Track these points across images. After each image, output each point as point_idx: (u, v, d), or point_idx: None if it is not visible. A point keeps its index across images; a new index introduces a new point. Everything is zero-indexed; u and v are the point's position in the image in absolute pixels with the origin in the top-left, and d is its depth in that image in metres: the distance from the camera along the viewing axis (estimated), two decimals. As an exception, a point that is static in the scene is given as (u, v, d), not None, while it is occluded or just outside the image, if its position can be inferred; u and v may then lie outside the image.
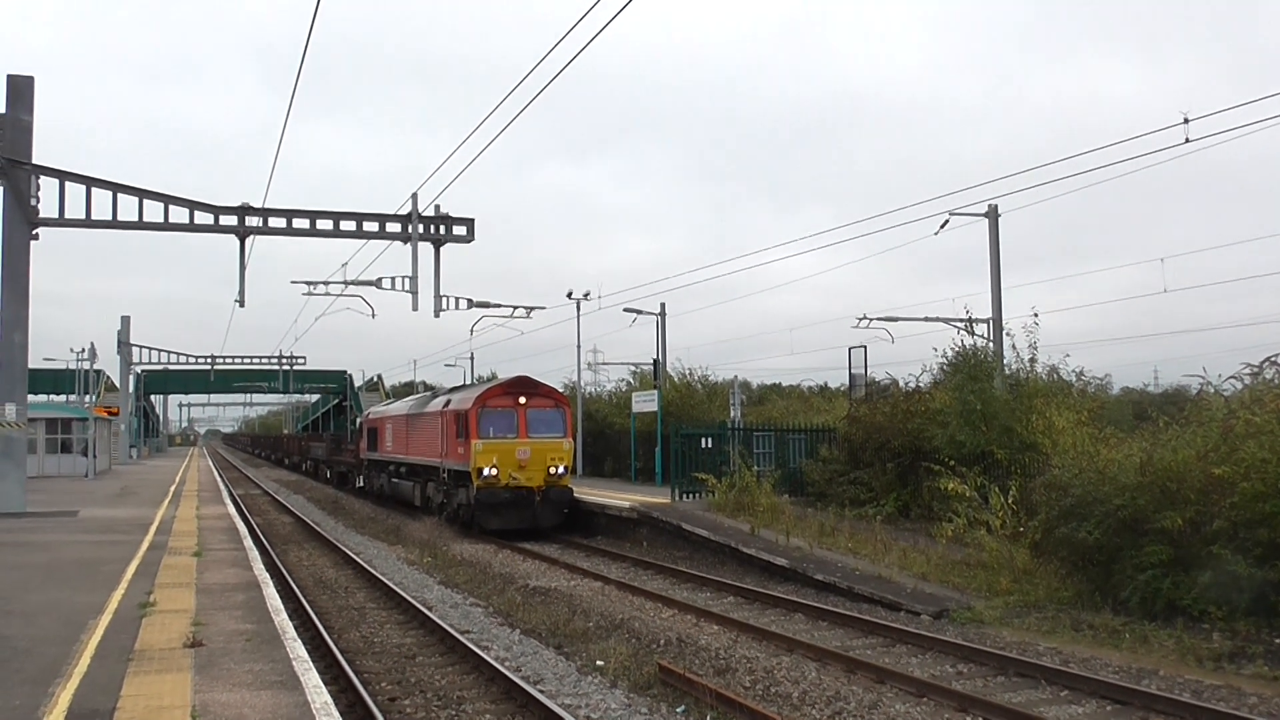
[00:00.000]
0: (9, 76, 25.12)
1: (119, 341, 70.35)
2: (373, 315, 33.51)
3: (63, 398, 68.34)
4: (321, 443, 63.61)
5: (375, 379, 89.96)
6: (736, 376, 39.44)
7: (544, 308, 38.30)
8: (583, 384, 46.25)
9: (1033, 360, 23.54)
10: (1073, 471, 16.53)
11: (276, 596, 13.99)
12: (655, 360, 40.26)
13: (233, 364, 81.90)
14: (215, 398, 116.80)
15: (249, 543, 20.48)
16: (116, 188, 25.20)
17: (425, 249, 27.29)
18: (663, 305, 40.55)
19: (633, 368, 47.45)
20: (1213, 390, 18.19)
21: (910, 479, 23.90)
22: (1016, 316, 31.23)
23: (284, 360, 78.06)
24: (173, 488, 39.10)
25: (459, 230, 27.45)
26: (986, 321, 26.20)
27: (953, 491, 20.08)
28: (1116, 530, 14.85)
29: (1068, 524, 15.60)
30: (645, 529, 25.42)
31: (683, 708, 10.68)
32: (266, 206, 26.20)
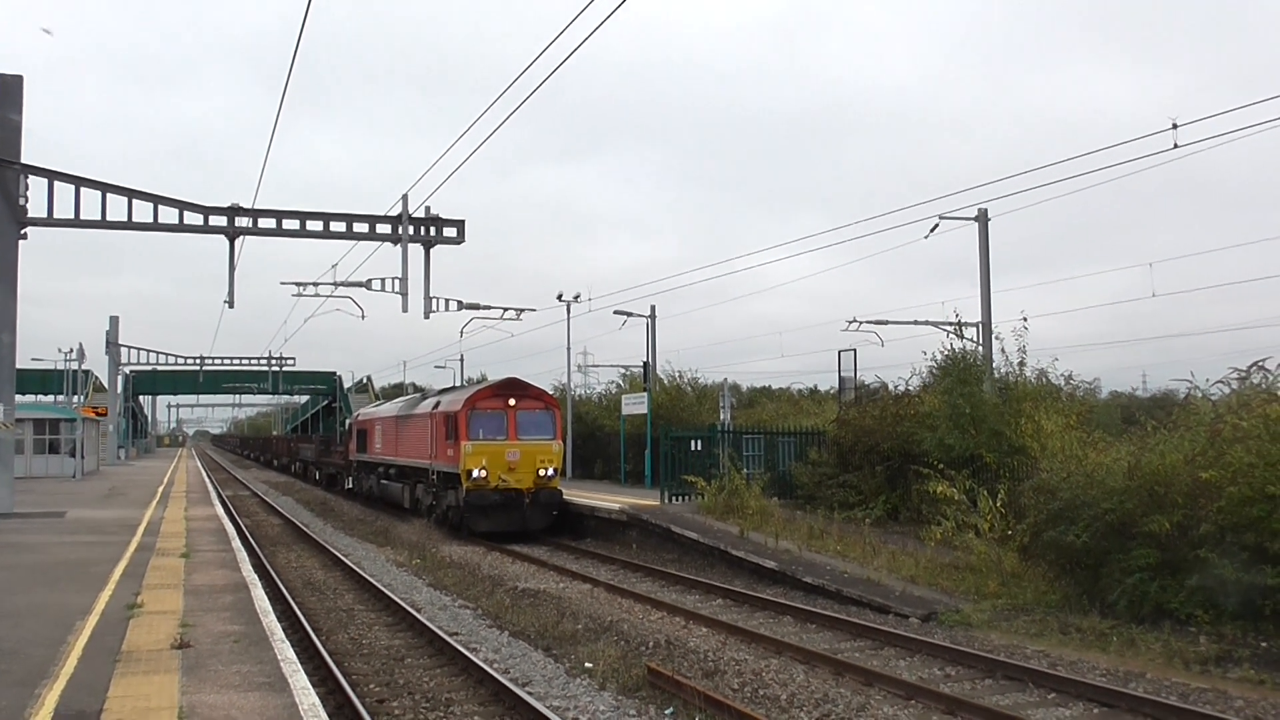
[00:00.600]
0: (-3, 75, 25.02)
1: (107, 342, 70.04)
2: (362, 316, 33.44)
3: (51, 398, 68.09)
4: (310, 444, 63.49)
5: (365, 380, 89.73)
6: (726, 379, 39.53)
7: (534, 310, 38.41)
8: (573, 386, 46.32)
9: (1021, 364, 23.61)
10: (1061, 475, 16.59)
11: (265, 598, 13.97)
12: (645, 363, 40.29)
13: (222, 365, 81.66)
14: (204, 399, 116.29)
15: (237, 544, 20.44)
16: (105, 187, 25.12)
17: (415, 250, 27.25)
18: (653, 308, 40.59)
19: (623, 370, 47.51)
20: (1200, 395, 18.26)
21: (899, 482, 23.94)
22: (1006, 320, 31.29)
23: (273, 361, 77.85)
24: (161, 489, 38.99)
25: (449, 232, 27.42)
26: (976, 325, 26.26)
27: (941, 495, 20.11)
28: (1104, 534, 14.90)
29: (1056, 527, 15.64)
30: (634, 531, 25.43)
31: (671, 710, 10.69)
32: (256, 207, 26.14)
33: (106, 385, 73.17)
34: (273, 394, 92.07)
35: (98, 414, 58.03)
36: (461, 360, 62.55)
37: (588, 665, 12.70)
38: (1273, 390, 16.64)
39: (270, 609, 13.08)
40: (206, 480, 49.77)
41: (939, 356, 25.33)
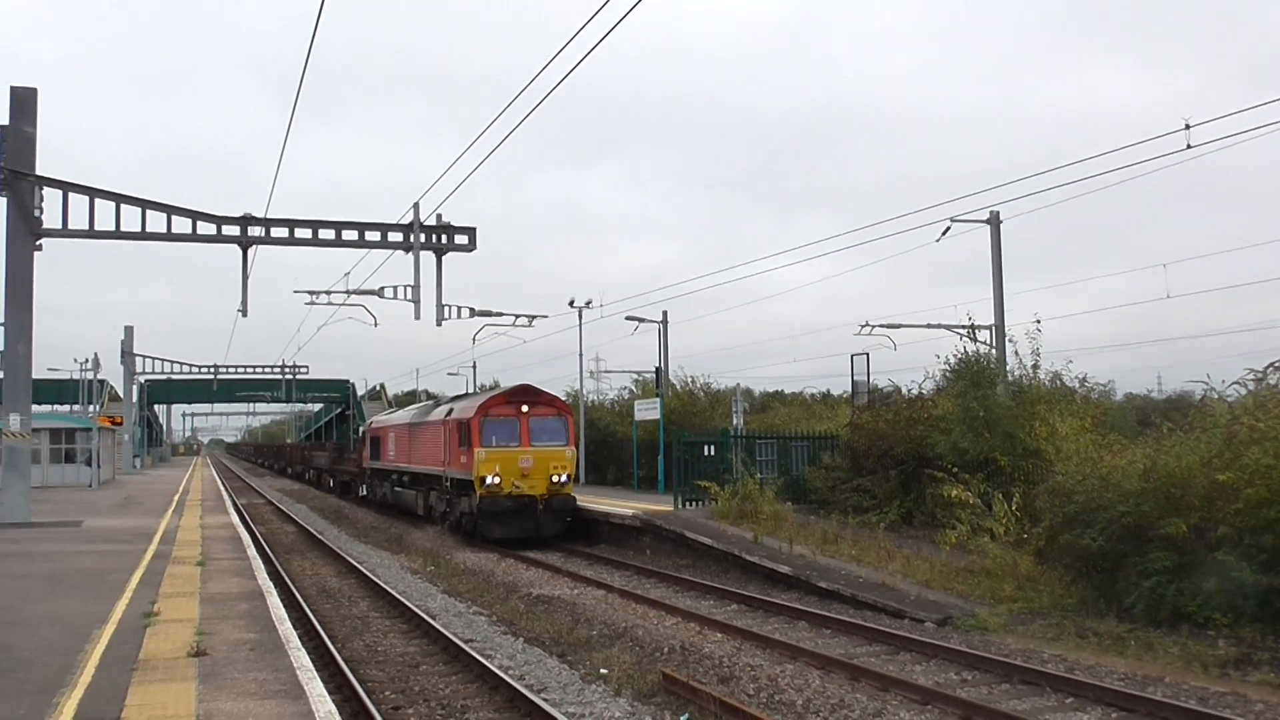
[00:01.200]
0: (12, 89, 25.22)
1: (122, 351, 70.41)
2: (375, 324, 33.61)
3: (66, 408, 68.49)
4: (324, 452, 63.63)
5: (378, 388, 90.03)
6: (739, 384, 39.58)
7: (546, 316, 38.35)
8: (585, 392, 46.30)
9: (1035, 366, 23.52)
10: (1076, 478, 16.52)
11: (280, 605, 14.00)
12: (657, 368, 40.28)
13: (236, 374, 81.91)
14: (218, 407, 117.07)
15: (252, 552, 20.49)
16: (119, 198, 25.26)
17: (427, 258, 27.34)
18: (664, 313, 40.60)
19: (635, 376, 47.51)
20: (1216, 396, 18.18)
21: (913, 486, 23.88)
22: (1019, 323, 31.27)
23: (287, 370, 78.06)
24: (176, 497, 39.12)
25: (461, 239, 27.49)
26: (989, 328, 26.20)
27: (956, 498, 20.06)
28: (1120, 537, 14.83)
29: (1071, 531, 15.58)
30: (648, 537, 25.40)
31: (686, 716, 10.67)
32: (268, 216, 26.25)
33: (122, 394, 73.54)
34: (286, 402, 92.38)
35: (113, 423, 58.28)
36: (474, 367, 62.69)
37: (603, 671, 12.69)
38: (1289, 391, 16.56)
39: (285, 616, 13.10)
40: (221, 488, 49.90)
41: (952, 359, 25.27)
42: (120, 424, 62.36)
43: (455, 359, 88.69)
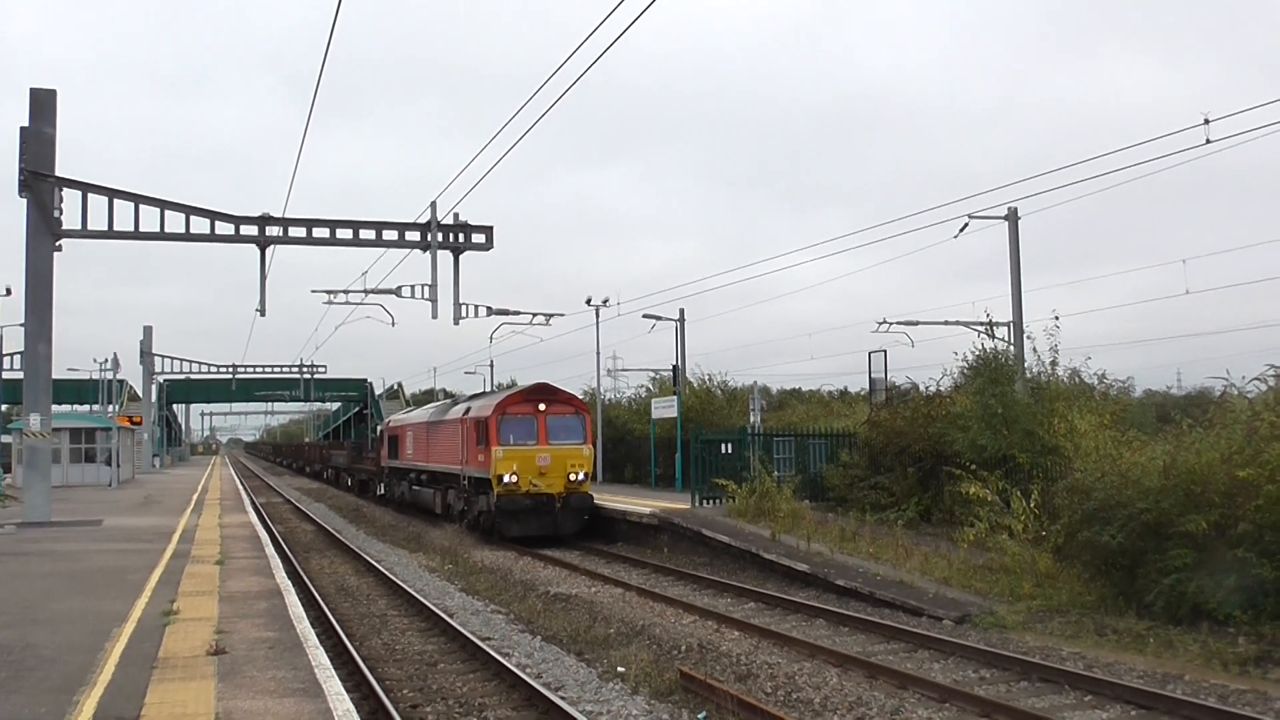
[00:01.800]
0: (31, 90, 25.35)
1: (141, 351, 70.75)
2: (393, 323, 33.69)
3: (86, 408, 68.90)
4: (342, 451, 63.84)
5: (395, 387, 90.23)
6: (756, 382, 39.43)
7: (563, 314, 38.41)
8: (602, 390, 46.35)
9: (1054, 363, 23.44)
10: (1095, 475, 16.44)
11: (298, 604, 14.05)
12: (674, 366, 40.28)
13: (254, 373, 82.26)
14: (237, 406, 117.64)
15: (271, 550, 20.57)
16: (138, 199, 25.39)
17: (444, 257, 27.39)
18: (681, 311, 40.59)
19: (652, 374, 47.52)
20: (1236, 392, 18.11)
21: (931, 483, 23.81)
22: (1037, 319, 31.06)
23: (305, 369, 78.37)
24: (195, 496, 39.32)
25: (478, 238, 27.54)
26: (1007, 325, 26.12)
27: (974, 496, 19.98)
28: (1140, 534, 14.75)
29: (1090, 528, 15.50)
30: (666, 535, 25.40)
31: (704, 714, 10.67)
32: (286, 216, 26.34)
33: (141, 394, 73.95)
34: (304, 401, 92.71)
35: (133, 423, 58.61)
36: (491, 366, 62.80)
37: (620, 670, 12.70)
38: (1310, 387, 16.46)
39: (304, 615, 13.15)
40: (240, 487, 50.14)
41: (970, 356, 25.20)
42: (140, 423, 62.69)
43: (472, 358, 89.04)
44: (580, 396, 33.87)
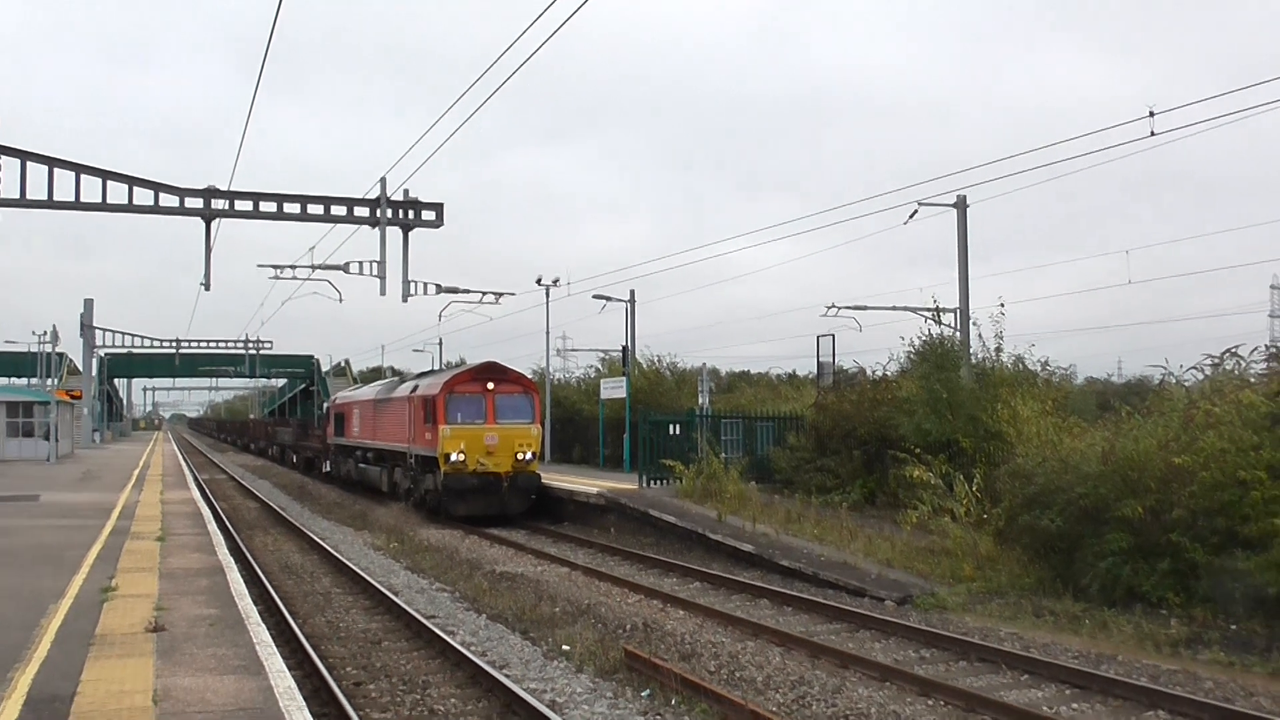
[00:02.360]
0: (-31, 55, 24.73)
1: (82, 324, 69.50)
2: (340, 300, 33.43)
3: (24, 381, 67.55)
4: (288, 428, 63.27)
5: (342, 364, 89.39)
6: (705, 364, 39.48)
7: (513, 294, 38.31)
8: (551, 370, 46.24)
9: (999, 350, 23.67)
10: (1036, 460, 16.71)
11: (241, 581, 13.94)
12: (624, 347, 40.25)
13: (198, 348, 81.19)
14: (180, 382, 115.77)
15: (213, 528, 20.37)
16: (79, 169, 24.87)
17: (393, 234, 27.11)
18: (632, 292, 40.54)
19: (602, 354, 47.46)
20: (1174, 381, 18.45)
21: (876, 467, 24.05)
22: (983, 306, 31.47)
23: (250, 345, 77.44)
24: (136, 472, 38.79)
25: (427, 215, 27.28)
26: (954, 311, 26.33)
27: (918, 479, 20.20)
28: (1078, 518, 15.02)
29: (1031, 512, 15.76)
30: (613, 515, 25.46)
31: (648, 692, 10.73)
32: (233, 189, 25.94)
33: (81, 368, 72.70)
34: (250, 377, 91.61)
35: (72, 397, 57.57)
36: (440, 344, 62.39)
37: (565, 648, 12.73)
38: (1245, 377, 16.81)
39: (246, 592, 13.05)
40: (182, 464, 49.54)
41: (917, 342, 25.41)
42: (79, 398, 61.60)
43: (421, 336, 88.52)
44: (529, 376, 33.78)
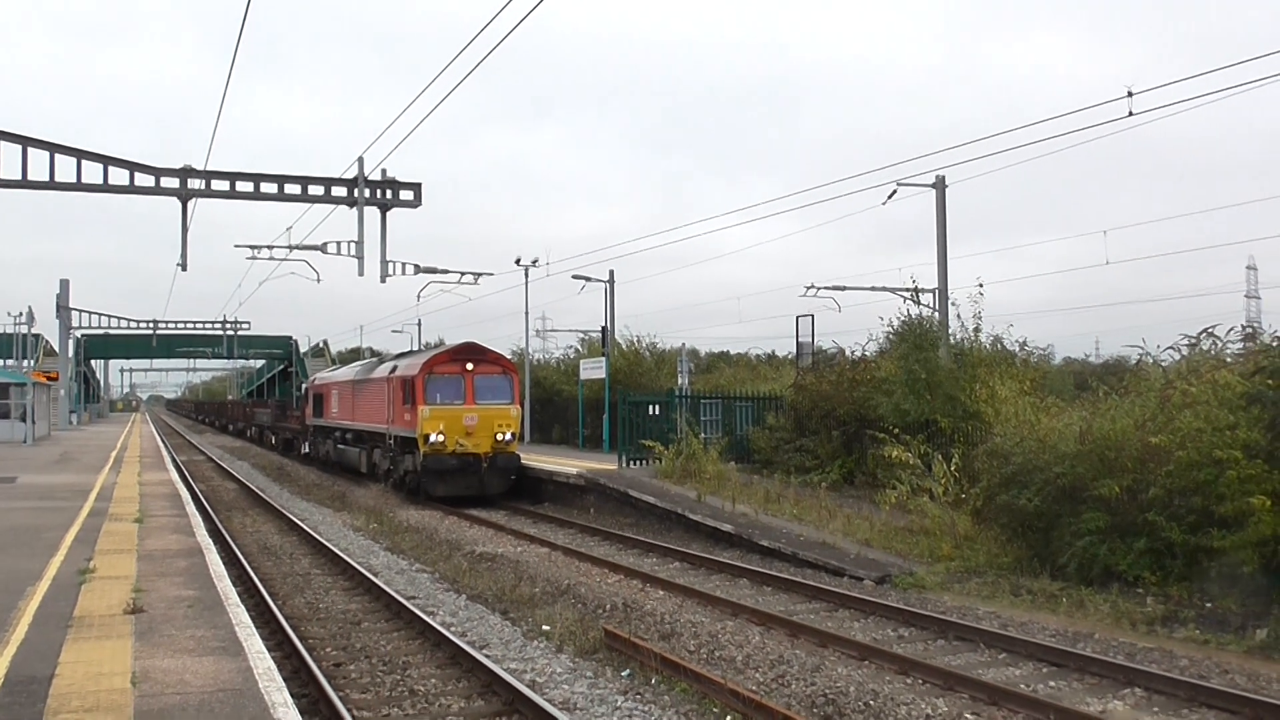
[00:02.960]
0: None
1: (58, 305, 68.72)
2: (318, 280, 33.10)
3: None
4: (267, 409, 63.01)
5: (321, 345, 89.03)
6: (684, 344, 39.57)
7: (492, 274, 38.10)
8: (531, 351, 46.19)
9: (977, 330, 23.78)
10: (1014, 440, 16.79)
11: (219, 562, 13.90)
12: (604, 327, 40.23)
13: (176, 329, 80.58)
14: (158, 363, 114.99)
15: (192, 509, 20.29)
16: (53, 148, 24.59)
17: (371, 214, 26.93)
18: (611, 273, 40.50)
19: (581, 335, 47.45)
20: (1151, 361, 18.54)
21: (855, 447, 24.13)
22: (962, 287, 31.57)
23: (228, 325, 76.93)
24: (114, 454, 38.57)
25: (406, 195, 27.11)
26: (932, 291, 26.41)
27: (897, 459, 20.28)
28: (1056, 498, 15.12)
29: (1008, 491, 15.84)
30: (592, 496, 25.49)
31: (628, 672, 10.76)
32: (209, 169, 25.74)
33: (57, 349, 72.10)
34: (228, 358, 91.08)
35: (48, 378, 57.17)
36: (419, 325, 62.31)
37: (545, 628, 12.75)
38: (1221, 357, 16.91)
39: (225, 573, 13.02)
40: (161, 445, 49.28)
41: (896, 322, 25.48)
42: (56, 379, 61.15)
43: (399, 316, 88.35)
44: (508, 357, 33.71)
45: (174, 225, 26.22)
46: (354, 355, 75.08)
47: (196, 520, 18.34)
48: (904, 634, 12.74)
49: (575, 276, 40.30)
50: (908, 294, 26.41)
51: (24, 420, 45.28)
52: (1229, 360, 16.60)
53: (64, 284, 69.24)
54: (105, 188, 25.12)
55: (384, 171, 26.78)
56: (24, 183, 24.56)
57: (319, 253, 28.47)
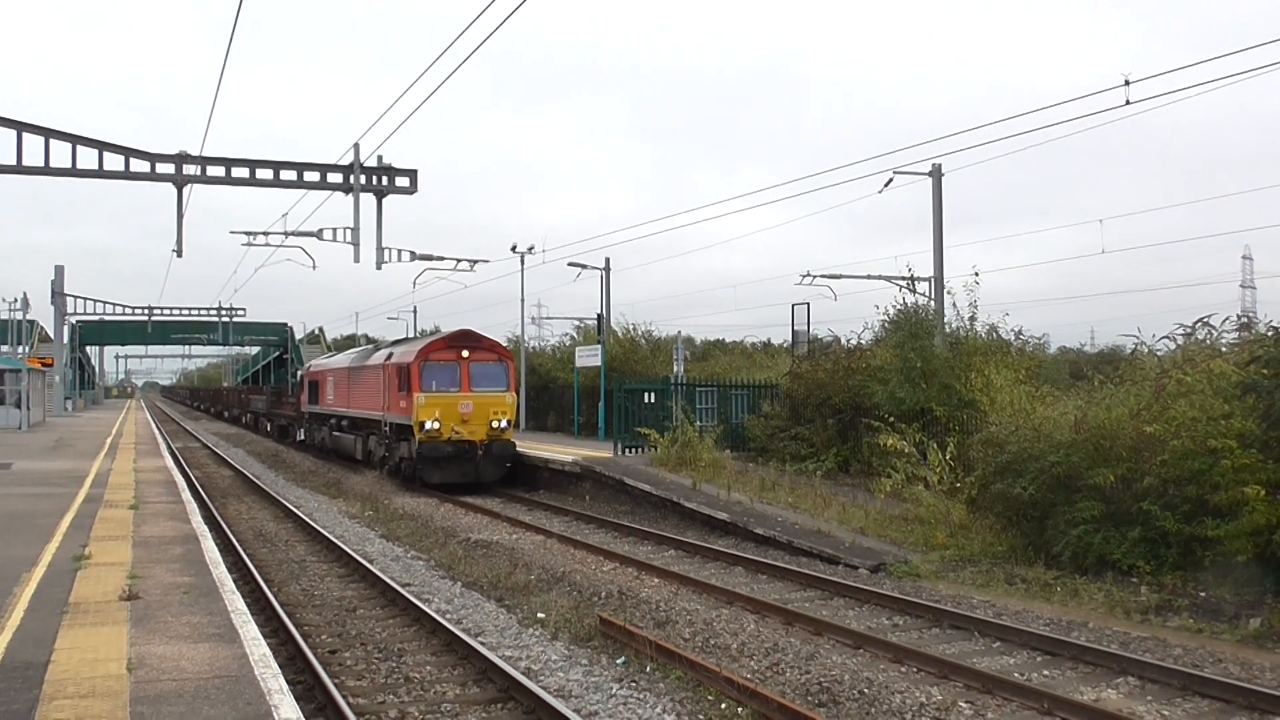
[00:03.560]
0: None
1: (53, 291, 68.81)
2: (314, 267, 33.10)
3: (-5, 348, 66.87)
4: (262, 396, 62.96)
5: (316, 331, 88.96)
6: (680, 332, 39.55)
7: (488, 261, 38.14)
8: (526, 338, 46.16)
9: (973, 319, 23.80)
10: (1009, 429, 16.81)
11: (215, 549, 13.90)
12: (599, 315, 40.23)
13: (171, 315, 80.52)
14: (153, 349, 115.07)
15: (187, 496, 20.28)
16: (49, 133, 24.53)
17: (367, 200, 26.90)
18: (607, 260, 40.52)
19: (577, 322, 47.48)
20: (1146, 350, 18.59)
21: (850, 435, 24.15)
22: (958, 275, 31.57)
23: (223, 312, 76.86)
24: (109, 440, 38.53)
25: (401, 181, 27.08)
26: (928, 280, 26.43)
27: (892, 447, 20.31)
28: (1050, 486, 15.14)
29: (1003, 480, 15.86)
30: (588, 483, 25.50)
31: (623, 659, 10.78)
32: (204, 155, 25.67)
33: (52, 335, 72.02)
34: (223, 345, 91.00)
35: (44, 364, 57.12)
36: (415, 312, 62.17)
37: (540, 616, 12.76)
38: (1216, 346, 16.95)
39: (220, 560, 13.02)
40: (155, 432, 49.24)
41: (891, 311, 25.49)
42: (51, 365, 61.14)
43: (395, 303, 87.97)
44: (504, 344, 33.71)
45: (169, 211, 26.21)
46: (350, 342, 75.06)
47: (192, 507, 18.33)
48: (898, 622, 12.76)
49: (571, 264, 40.32)
50: (904, 282, 26.45)
51: (19, 406, 45.26)
52: (1224, 350, 16.65)
53: (59, 270, 69.29)
54: (101, 173, 25.07)
55: (380, 158, 26.73)
56: (19, 168, 24.51)
57: (315, 239, 28.48)
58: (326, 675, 9.61)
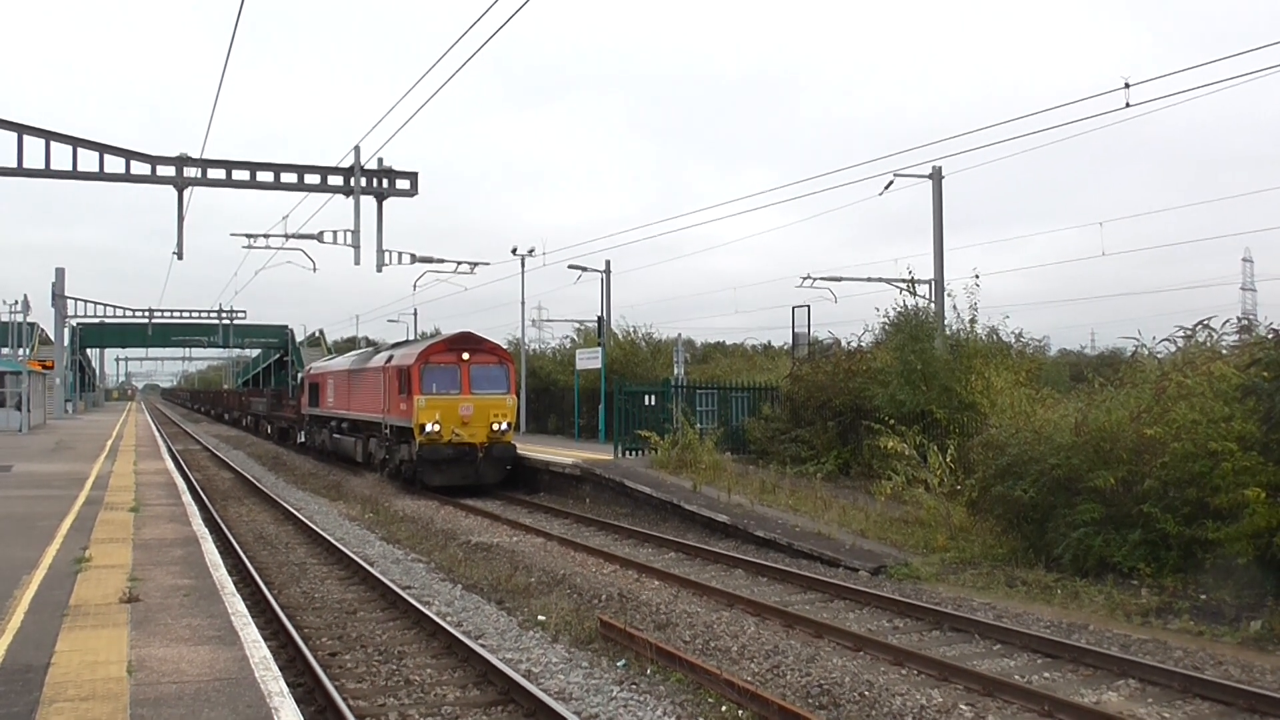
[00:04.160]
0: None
1: (53, 293, 68.77)
2: (314, 269, 33.09)
3: (-5, 350, 66.85)
4: (262, 398, 62.94)
5: (317, 334, 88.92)
6: (680, 334, 39.52)
7: (488, 263, 38.08)
8: (527, 341, 46.16)
9: (973, 321, 23.76)
10: (1010, 431, 16.80)
11: (215, 552, 13.90)
12: (600, 317, 40.23)
13: (171, 318, 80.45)
14: (153, 352, 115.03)
15: (188, 498, 20.28)
16: (49, 135, 24.54)
17: (368, 203, 26.91)
18: (607, 263, 40.53)
19: (577, 325, 47.42)
20: (1147, 353, 18.58)
21: (851, 437, 24.14)
22: (958, 278, 31.53)
23: (224, 314, 76.82)
24: (110, 443, 38.53)
25: (402, 184, 27.08)
26: (928, 282, 26.41)
27: (892, 450, 20.30)
28: (1051, 489, 15.14)
29: (1004, 482, 15.86)
30: (588, 486, 25.50)
31: (623, 662, 10.78)
32: (205, 157, 25.67)
33: (53, 338, 72.01)
34: (223, 347, 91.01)
35: (44, 367, 57.11)
36: (415, 314, 62.22)
37: (541, 618, 12.76)
38: (1217, 349, 16.94)
39: (221, 563, 13.01)
40: (156, 434, 49.24)
41: (892, 313, 25.46)
42: (51, 368, 61.11)
43: (395, 306, 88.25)
44: (504, 346, 33.71)
45: (170, 213, 26.15)
46: (350, 345, 75.06)
47: (192, 509, 18.33)
48: (899, 625, 12.76)
49: (571, 266, 40.31)
50: (904, 285, 26.40)
51: (19, 409, 45.26)
52: (1224, 352, 16.63)
53: (59, 272, 69.26)
54: (101, 176, 25.06)
55: (380, 160, 26.74)
56: (19, 170, 24.51)
57: (315, 242, 28.50)
58: (327, 678, 9.61)
